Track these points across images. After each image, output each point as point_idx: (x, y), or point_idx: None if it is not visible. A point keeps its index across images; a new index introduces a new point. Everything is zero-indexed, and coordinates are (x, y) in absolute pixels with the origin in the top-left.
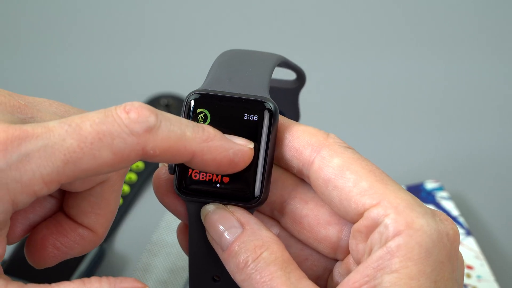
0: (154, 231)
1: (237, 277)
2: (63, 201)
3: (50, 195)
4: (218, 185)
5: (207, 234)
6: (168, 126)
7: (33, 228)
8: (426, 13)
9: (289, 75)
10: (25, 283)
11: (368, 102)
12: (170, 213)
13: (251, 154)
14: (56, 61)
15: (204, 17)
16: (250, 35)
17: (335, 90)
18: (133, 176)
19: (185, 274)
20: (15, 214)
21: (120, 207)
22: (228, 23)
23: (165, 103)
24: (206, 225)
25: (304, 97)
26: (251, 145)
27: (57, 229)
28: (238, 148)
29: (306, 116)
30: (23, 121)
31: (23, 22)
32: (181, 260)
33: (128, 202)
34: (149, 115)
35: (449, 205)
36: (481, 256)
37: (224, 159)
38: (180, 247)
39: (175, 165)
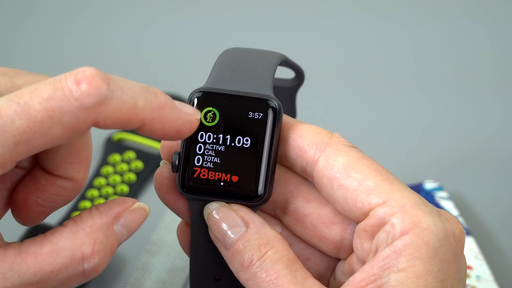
0: (153, 231)
1: (241, 276)
2: (37, 156)
3: None
4: (221, 184)
5: (210, 233)
6: (120, 97)
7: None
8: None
9: (287, 74)
10: (21, 242)
11: (366, 102)
12: (169, 213)
13: (197, 124)
14: (56, 60)
15: (204, 17)
16: (250, 34)
17: (333, 89)
18: (132, 176)
19: (184, 274)
20: None
21: None
22: (227, 23)
23: None
24: (209, 223)
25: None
26: (198, 115)
27: (35, 186)
28: (186, 119)
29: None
30: None
31: (23, 22)
32: (180, 260)
33: None
34: (101, 85)
35: (448, 205)
36: (480, 256)
37: (172, 128)
38: (179, 247)
39: (178, 163)
